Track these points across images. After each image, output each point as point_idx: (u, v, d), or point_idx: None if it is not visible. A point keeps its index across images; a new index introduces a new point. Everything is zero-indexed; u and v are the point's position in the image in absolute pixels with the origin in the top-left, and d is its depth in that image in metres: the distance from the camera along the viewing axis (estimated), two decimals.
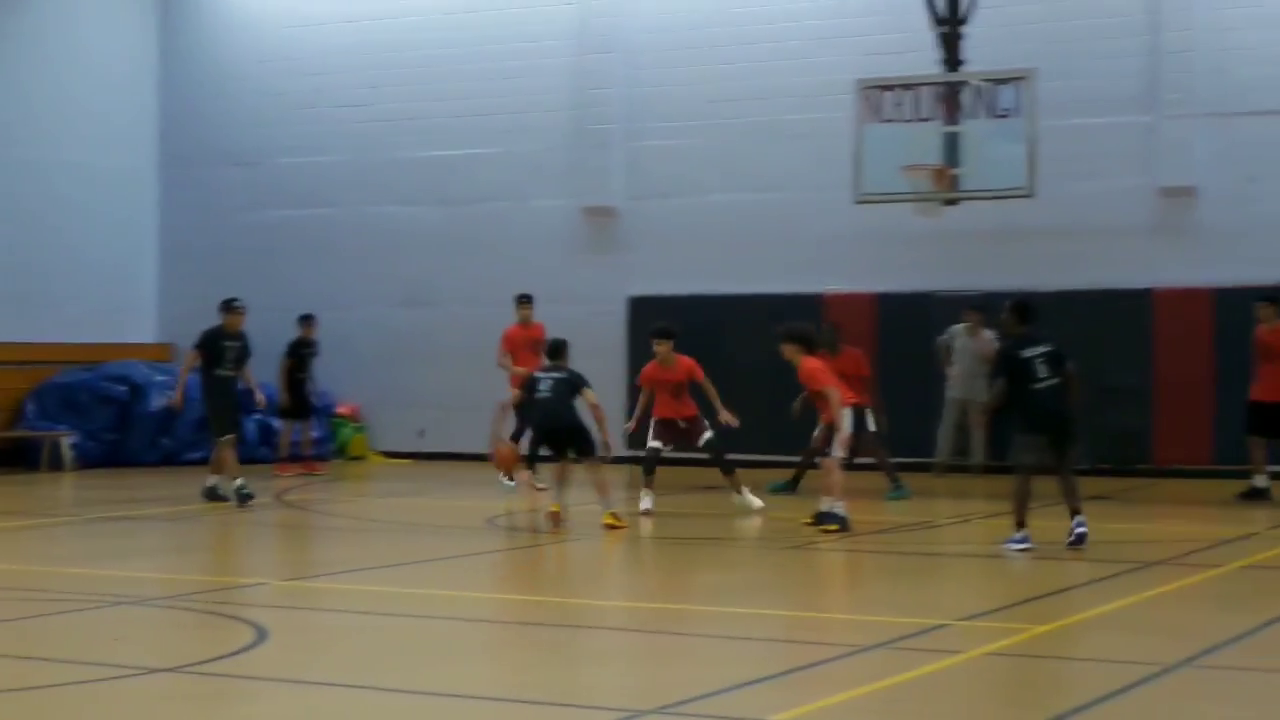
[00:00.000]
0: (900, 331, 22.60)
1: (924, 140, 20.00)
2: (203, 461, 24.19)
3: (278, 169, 27.11)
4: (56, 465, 23.83)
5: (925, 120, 20.10)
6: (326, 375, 24.43)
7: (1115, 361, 21.89)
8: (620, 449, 19.29)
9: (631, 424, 18.46)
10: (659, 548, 15.75)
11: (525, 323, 21.39)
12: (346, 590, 12.68)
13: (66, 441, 23.97)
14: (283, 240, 26.99)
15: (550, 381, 16.61)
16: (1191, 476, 21.39)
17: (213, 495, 18.54)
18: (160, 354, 26.73)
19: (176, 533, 17.14)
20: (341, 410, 25.94)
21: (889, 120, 20.20)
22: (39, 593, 12.40)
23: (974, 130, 19.92)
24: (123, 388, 24.55)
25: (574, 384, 16.60)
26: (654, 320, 22.51)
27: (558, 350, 17.04)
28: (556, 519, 16.22)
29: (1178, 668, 9.38)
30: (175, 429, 24.37)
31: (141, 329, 27.30)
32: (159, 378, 24.79)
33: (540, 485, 18.65)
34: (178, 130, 27.75)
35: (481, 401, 25.28)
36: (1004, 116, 19.85)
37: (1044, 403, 14.14)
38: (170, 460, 24.24)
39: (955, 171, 19.95)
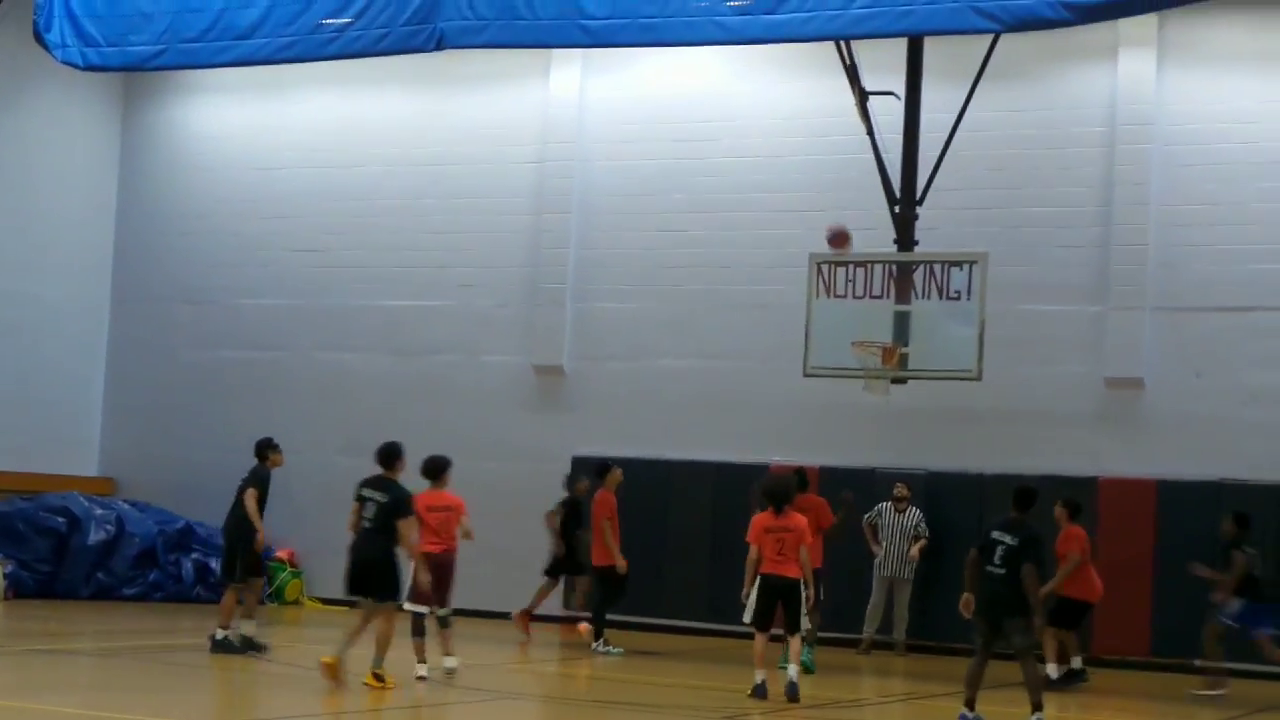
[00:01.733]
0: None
1: (875, 317, 20.11)
2: (138, 598, 24.04)
3: (229, 310, 27.14)
4: None
5: (877, 298, 20.21)
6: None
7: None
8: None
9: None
10: (595, 712, 15.59)
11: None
12: None
13: (1, 570, 23.68)
14: (230, 380, 26.96)
15: (374, 506, 15.42)
16: (1129, 668, 21.37)
17: (250, 645, 17.62)
18: (102, 487, 26.56)
19: (107, 669, 16.91)
20: (279, 555, 25.75)
21: (840, 296, 20.31)
22: None
23: (925, 310, 20.02)
24: (61, 519, 24.36)
25: (396, 509, 15.33)
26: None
27: (390, 458, 15.78)
28: (333, 672, 15.04)
29: None
30: (111, 564, 24.17)
31: (84, 462, 27.15)
32: (99, 511, 24.61)
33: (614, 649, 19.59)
34: (131, 266, 27.82)
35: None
36: (955, 298, 19.94)
37: (986, 587, 14.30)
38: (105, 594, 23.96)
39: (904, 350, 20.04)
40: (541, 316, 25.22)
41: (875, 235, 21.37)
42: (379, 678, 15.17)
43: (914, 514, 22.19)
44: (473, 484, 23.99)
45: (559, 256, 25.21)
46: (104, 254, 27.79)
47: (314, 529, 25.84)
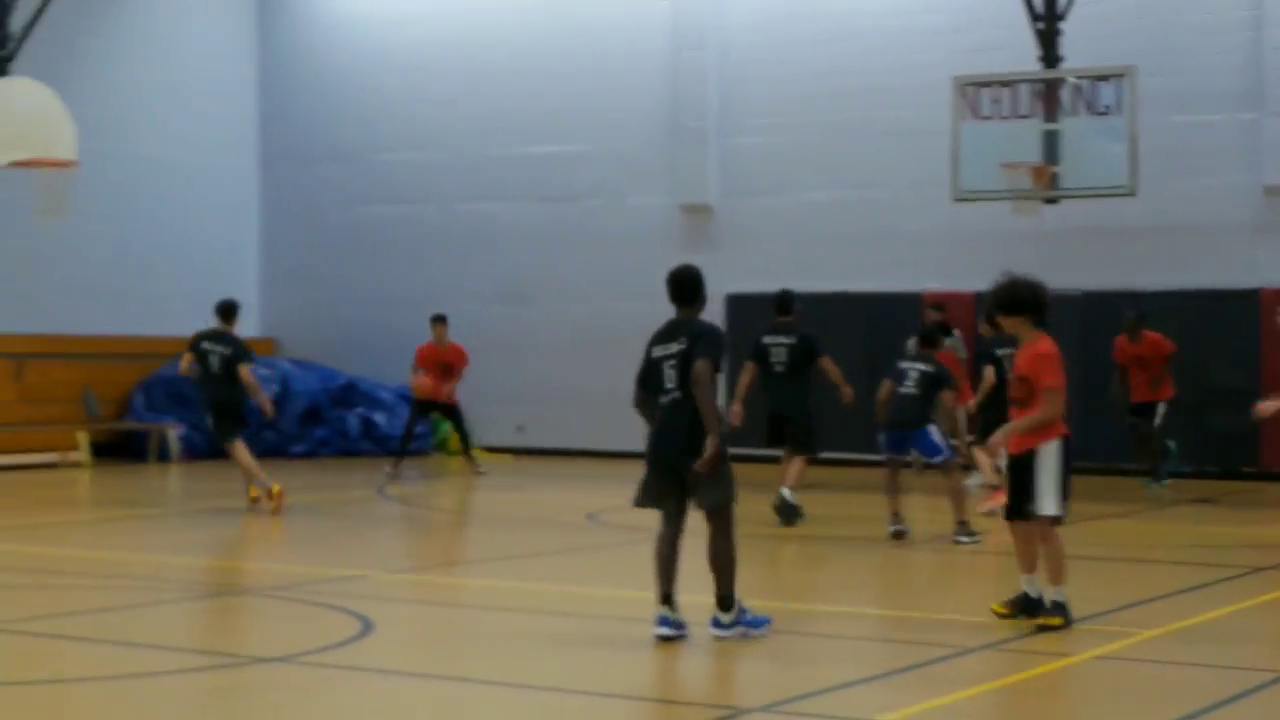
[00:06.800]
0: None
1: (1023, 138, 19.88)
2: (306, 455, 24.54)
3: (375, 166, 27.34)
4: (164, 457, 24.18)
5: (1024, 118, 19.97)
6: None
7: (1221, 362, 21.71)
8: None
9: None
10: (749, 545, 15.70)
11: (439, 342, 22.40)
12: (449, 584, 12.79)
13: (173, 434, 24.27)
14: (380, 236, 27.22)
15: (218, 358, 17.41)
16: None
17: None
18: (263, 348, 26.97)
19: (281, 524, 17.30)
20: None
21: (987, 118, 20.09)
22: (146, 581, 12.60)
23: (1074, 127, 19.77)
24: None
25: (239, 357, 17.37)
26: (752, 318, 22.63)
27: (230, 313, 17.89)
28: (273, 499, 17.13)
29: None
30: (279, 422, 24.57)
31: (244, 324, 27.42)
32: (263, 371, 24.90)
33: None
34: (277, 129, 28.07)
35: (579, 397, 25.46)
36: (1104, 114, 19.68)
37: (659, 418, 10.45)
38: (274, 453, 24.41)
39: (1055, 169, 19.82)
40: (685, 155, 25.13)
41: (1018, 54, 21.03)
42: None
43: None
44: (627, 327, 24.14)
45: (699, 93, 25.05)
46: (249, 118, 28.07)
47: (474, 379, 25.96)
